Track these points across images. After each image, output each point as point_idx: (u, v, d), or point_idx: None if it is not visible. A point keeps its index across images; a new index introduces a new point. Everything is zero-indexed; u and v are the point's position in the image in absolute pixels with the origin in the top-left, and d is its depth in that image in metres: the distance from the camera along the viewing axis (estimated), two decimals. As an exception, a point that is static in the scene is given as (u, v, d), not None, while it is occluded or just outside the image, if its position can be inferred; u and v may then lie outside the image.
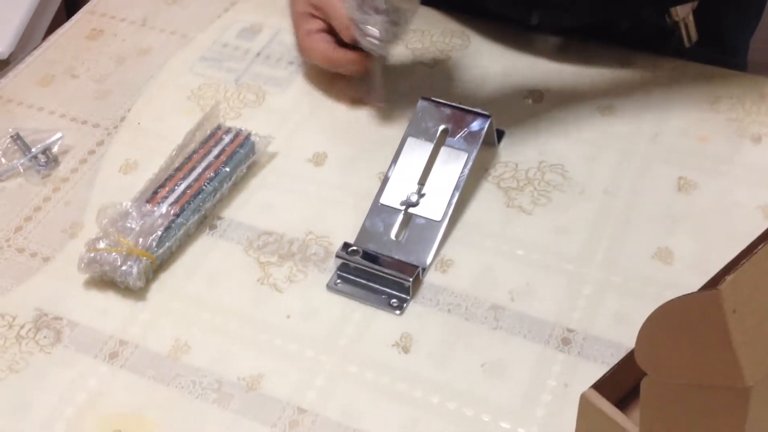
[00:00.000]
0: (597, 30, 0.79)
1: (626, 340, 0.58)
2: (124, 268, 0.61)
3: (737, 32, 0.85)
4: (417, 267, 0.62)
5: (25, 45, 1.45)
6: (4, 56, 1.38)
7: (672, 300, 0.38)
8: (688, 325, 0.38)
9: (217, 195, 0.68)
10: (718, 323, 0.37)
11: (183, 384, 0.57)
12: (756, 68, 0.80)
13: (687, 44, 0.79)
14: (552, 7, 0.77)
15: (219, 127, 0.72)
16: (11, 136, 0.74)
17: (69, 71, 0.83)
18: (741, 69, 0.80)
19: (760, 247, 0.38)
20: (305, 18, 0.74)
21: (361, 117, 0.75)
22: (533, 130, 0.73)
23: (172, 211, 0.64)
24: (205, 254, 0.65)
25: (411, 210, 0.65)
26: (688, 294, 0.38)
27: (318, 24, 0.74)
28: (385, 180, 0.67)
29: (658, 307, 0.39)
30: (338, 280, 0.63)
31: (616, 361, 0.54)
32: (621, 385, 0.51)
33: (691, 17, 0.78)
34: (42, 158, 0.73)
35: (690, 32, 0.78)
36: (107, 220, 0.64)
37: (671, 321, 0.39)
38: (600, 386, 0.48)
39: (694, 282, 0.59)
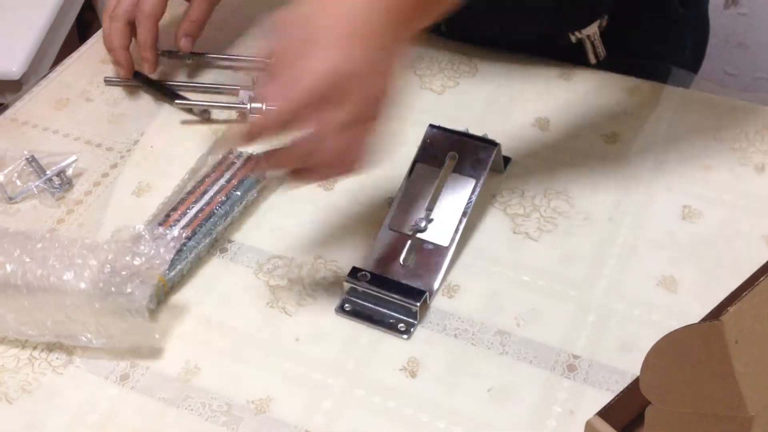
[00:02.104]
0: (508, 42, 0.82)
1: (631, 367, 0.58)
2: (136, 290, 0.62)
3: (654, 46, 0.86)
4: (424, 292, 0.62)
5: (37, 66, 1.47)
6: (17, 77, 1.40)
7: (675, 330, 0.39)
8: (691, 355, 0.39)
9: (229, 218, 0.69)
10: (721, 353, 0.37)
11: (193, 406, 0.58)
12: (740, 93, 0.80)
13: (593, 61, 0.81)
14: (458, 19, 0.78)
15: (231, 152, 0.73)
16: (26, 159, 0.76)
17: (83, 94, 0.84)
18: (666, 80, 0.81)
19: (761, 279, 0.38)
20: None
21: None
22: (539, 157, 0.74)
23: (184, 234, 0.66)
24: (216, 277, 0.66)
25: (419, 235, 0.66)
26: (691, 324, 0.39)
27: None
28: (393, 205, 0.68)
29: (661, 337, 0.40)
30: (347, 304, 0.64)
31: (621, 388, 0.54)
32: (626, 412, 0.52)
33: (597, 36, 0.80)
34: (56, 180, 0.74)
35: (597, 49, 0.81)
36: (120, 242, 0.65)
37: (675, 351, 0.39)
38: (605, 413, 0.49)
39: (698, 310, 0.60)
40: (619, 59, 0.81)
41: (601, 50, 0.81)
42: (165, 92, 0.82)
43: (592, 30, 0.79)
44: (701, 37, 0.92)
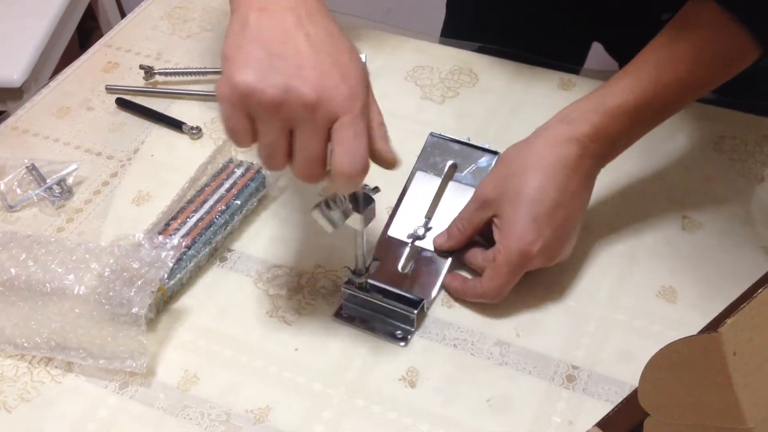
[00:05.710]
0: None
1: (630, 377, 0.58)
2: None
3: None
4: (422, 300, 0.62)
5: (38, 74, 1.47)
6: (18, 84, 1.41)
7: (674, 342, 0.39)
8: (689, 367, 0.39)
9: (228, 228, 0.69)
10: (719, 365, 0.37)
11: (191, 416, 0.58)
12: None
13: None
14: None
15: (231, 161, 0.73)
16: (27, 167, 0.76)
17: (84, 103, 0.84)
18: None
19: (759, 290, 0.38)
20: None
21: (370, 152, 0.77)
22: (539, 167, 0.73)
23: (183, 243, 0.66)
24: (216, 286, 0.66)
25: (418, 243, 0.66)
26: (690, 336, 0.39)
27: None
28: (393, 213, 0.68)
29: (660, 349, 0.40)
30: (345, 312, 0.64)
31: (620, 399, 0.54)
32: (625, 423, 0.52)
33: None
34: (56, 189, 0.74)
35: None
36: (122, 247, 0.65)
37: (673, 362, 0.39)
38: (604, 424, 0.49)
39: (698, 321, 0.60)
40: None
41: None
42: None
43: None
44: None
